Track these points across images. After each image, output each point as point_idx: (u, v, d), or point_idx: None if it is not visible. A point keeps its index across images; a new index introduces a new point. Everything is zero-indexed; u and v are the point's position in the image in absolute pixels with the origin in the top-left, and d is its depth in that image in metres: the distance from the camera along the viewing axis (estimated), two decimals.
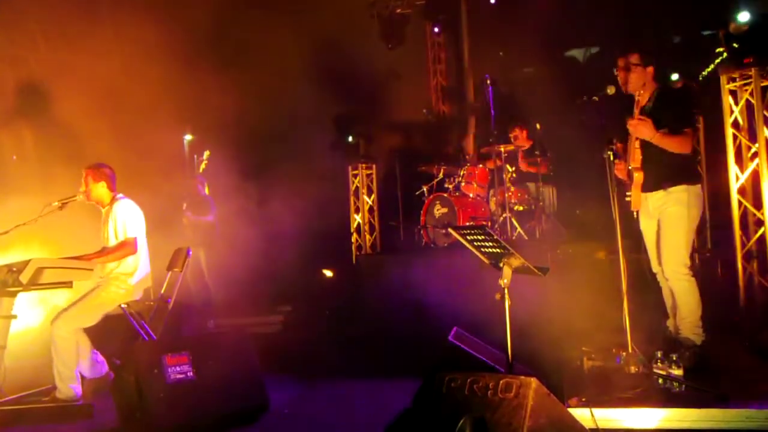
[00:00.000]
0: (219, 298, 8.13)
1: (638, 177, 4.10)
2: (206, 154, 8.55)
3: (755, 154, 5.44)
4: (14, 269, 4.33)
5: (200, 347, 4.10)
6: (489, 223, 7.39)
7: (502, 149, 7.37)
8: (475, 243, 3.54)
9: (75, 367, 4.55)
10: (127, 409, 3.91)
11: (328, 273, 8.65)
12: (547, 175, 7.73)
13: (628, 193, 4.21)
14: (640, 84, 4.13)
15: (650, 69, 4.13)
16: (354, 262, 9.54)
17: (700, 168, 6.25)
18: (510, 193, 7.40)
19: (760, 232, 5.46)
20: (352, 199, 10.24)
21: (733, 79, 5.57)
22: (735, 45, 5.50)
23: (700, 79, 7.79)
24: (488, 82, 7.65)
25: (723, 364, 4.07)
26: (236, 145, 9.06)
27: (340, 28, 9.59)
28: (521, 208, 7.51)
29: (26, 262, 4.37)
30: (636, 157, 4.07)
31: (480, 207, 7.53)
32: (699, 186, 4.13)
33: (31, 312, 5.65)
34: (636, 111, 4.08)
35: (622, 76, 4.16)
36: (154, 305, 5.09)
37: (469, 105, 10.63)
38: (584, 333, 4.55)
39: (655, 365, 3.64)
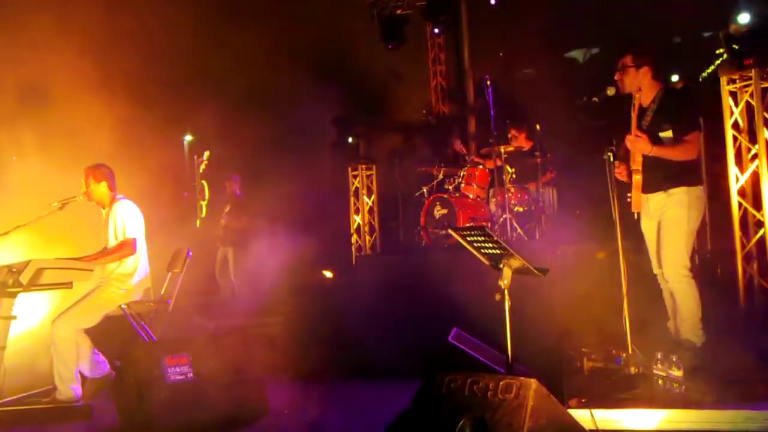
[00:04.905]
0: (241, 298, 8.25)
1: (639, 179, 4.09)
2: (206, 154, 8.58)
3: (755, 156, 5.45)
4: (14, 270, 4.32)
5: (200, 348, 4.10)
6: (489, 224, 7.38)
7: (502, 150, 7.36)
8: (475, 244, 3.53)
9: (75, 368, 4.56)
10: (127, 410, 3.91)
11: (328, 274, 8.64)
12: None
13: (629, 194, 4.20)
14: (635, 85, 4.10)
15: (644, 70, 4.09)
16: (354, 263, 9.53)
17: (700, 169, 6.25)
18: (510, 194, 7.39)
19: (760, 233, 5.46)
20: (352, 199, 10.23)
21: (733, 81, 5.56)
22: (735, 46, 5.50)
23: (700, 80, 7.79)
24: (488, 82, 7.64)
25: (723, 365, 4.07)
26: (236, 146, 9.07)
27: (341, 29, 9.59)
28: (521, 209, 7.50)
29: (26, 263, 4.36)
30: (637, 159, 4.06)
31: (480, 208, 7.52)
32: (700, 188, 4.11)
33: (31, 313, 5.63)
34: (634, 115, 4.05)
35: (618, 77, 4.15)
36: (155, 306, 5.10)
37: (468, 105, 10.62)
38: (584, 334, 4.55)
39: (655, 366, 3.63)
